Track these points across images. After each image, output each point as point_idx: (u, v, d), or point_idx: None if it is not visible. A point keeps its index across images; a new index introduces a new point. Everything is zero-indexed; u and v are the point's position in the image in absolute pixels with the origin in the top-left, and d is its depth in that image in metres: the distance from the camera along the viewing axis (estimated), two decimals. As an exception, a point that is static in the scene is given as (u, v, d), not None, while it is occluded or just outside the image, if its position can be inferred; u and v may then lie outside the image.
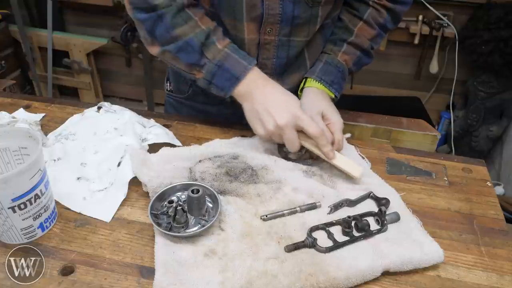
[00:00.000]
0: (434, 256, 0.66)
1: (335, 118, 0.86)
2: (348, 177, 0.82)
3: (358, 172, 0.80)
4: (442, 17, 2.25)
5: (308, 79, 0.94)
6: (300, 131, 0.80)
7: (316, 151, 0.82)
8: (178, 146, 0.89)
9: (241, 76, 0.82)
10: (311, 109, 0.87)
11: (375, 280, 0.64)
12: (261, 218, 0.71)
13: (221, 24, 0.87)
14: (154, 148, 0.84)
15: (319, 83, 0.92)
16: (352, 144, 0.94)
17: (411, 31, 2.30)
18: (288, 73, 0.97)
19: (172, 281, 0.60)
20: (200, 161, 0.82)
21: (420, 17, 2.28)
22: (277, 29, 0.87)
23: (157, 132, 0.90)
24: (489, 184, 0.85)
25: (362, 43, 0.95)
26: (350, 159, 0.82)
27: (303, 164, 0.84)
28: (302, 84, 0.95)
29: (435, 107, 2.61)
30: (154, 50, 0.86)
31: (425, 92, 2.58)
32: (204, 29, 0.82)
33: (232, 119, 0.97)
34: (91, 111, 0.96)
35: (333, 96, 0.94)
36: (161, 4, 0.81)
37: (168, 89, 1.12)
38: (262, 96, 0.81)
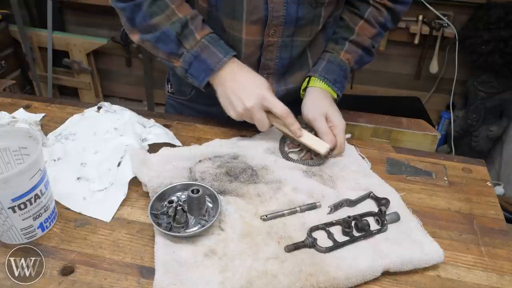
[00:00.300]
0: (434, 256, 0.66)
1: (338, 120, 0.87)
2: (349, 177, 0.82)
3: (324, 149, 0.83)
4: (442, 17, 2.25)
5: (312, 78, 0.94)
6: (270, 112, 0.83)
7: (285, 130, 0.85)
8: (178, 146, 0.89)
9: (215, 68, 0.84)
10: (315, 110, 0.87)
11: (375, 280, 0.64)
12: (261, 218, 0.71)
13: (219, 23, 0.88)
14: (154, 148, 0.84)
15: (322, 82, 0.92)
16: (352, 144, 0.93)
17: (411, 31, 2.30)
18: (291, 72, 0.97)
19: (172, 281, 0.60)
20: (200, 161, 0.82)
21: (420, 17, 2.28)
22: (281, 31, 0.87)
23: (157, 132, 0.90)
24: (489, 184, 0.85)
25: (364, 41, 0.96)
26: (317, 138, 0.85)
27: (304, 164, 0.84)
28: (305, 83, 0.96)
29: (435, 107, 2.61)
30: (134, 37, 0.89)
31: (425, 92, 2.58)
32: (181, 17, 0.84)
33: (233, 120, 0.97)
34: (91, 111, 0.96)
35: (335, 95, 0.94)
36: None
37: (169, 91, 1.13)
38: (233, 81, 0.84)
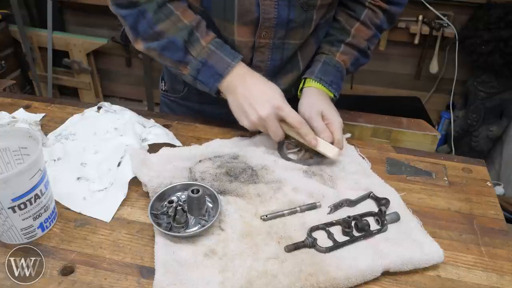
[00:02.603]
0: (434, 256, 0.66)
1: (335, 118, 0.87)
2: (348, 177, 0.82)
3: (333, 152, 0.82)
4: (442, 17, 2.25)
5: (308, 79, 0.94)
6: (284, 121, 0.82)
7: (299, 139, 0.84)
8: (178, 146, 0.89)
9: (224, 73, 0.84)
10: (311, 109, 0.87)
11: (375, 280, 0.64)
12: (261, 218, 0.71)
13: (211, 24, 0.87)
14: (154, 148, 0.84)
15: (319, 83, 0.92)
16: (352, 144, 0.93)
17: (411, 31, 2.30)
18: (282, 74, 0.97)
19: (172, 281, 0.60)
20: (200, 161, 0.82)
21: (420, 17, 2.28)
22: (272, 33, 0.87)
23: (157, 132, 0.90)
24: (489, 184, 0.85)
25: (359, 43, 0.96)
26: (325, 141, 0.84)
27: (303, 164, 0.84)
28: (301, 84, 0.95)
29: (435, 107, 2.61)
30: (138, 46, 0.88)
31: (425, 92, 2.58)
32: (187, 24, 0.83)
33: (227, 118, 0.97)
34: (91, 111, 0.96)
35: (332, 96, 0.94)
36: (143, 2, 0.81)
37: (163, 88, 1.12)
38: (244, 89, 0.83)
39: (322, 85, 0.92)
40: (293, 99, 0.92)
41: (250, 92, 0.83)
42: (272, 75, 0.95)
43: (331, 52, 0.96)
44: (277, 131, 0.82)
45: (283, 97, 0.83)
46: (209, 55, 0.84)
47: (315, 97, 0.91)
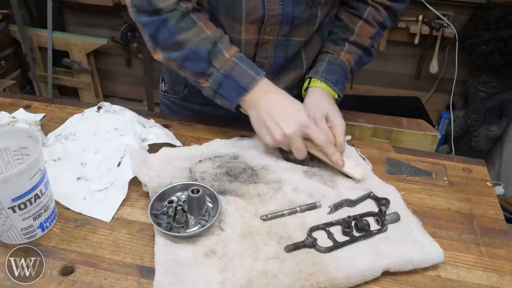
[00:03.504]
0: (434, 256, 0.66)
1: (338, 121, 0.86)
2: (349, 177, 0.82)
3: (359, 174, 0.81)
4: (442, 17, 2.25)
5: (313, 79, 0.93)
6: (307, 139, 0.80)
7: (324, 158, 0.82)
8: (178, 146, 0.89)
9: (248, 87, 0.81)
10: (316, 110, 0.87)
11: (375, 280, 0.64)
12: (261, 218, 0.71)
13: (218, 24, 0.87)
14: (154, 148, 0.84)
15: (324, 83, 0.92)
16: (353, 145, 0.94)
17: (411, 31, 2.30)
18: (285, 72, 0.97)
19: (172, 281, 0.60)
20: (200, 161, 0.82)
21: (420, 17, 2.28)
22: (277, 30, 0.87)
23: (157, 132, 0.90)
24: (489, 184, 0.85)
25: (363, 41, 0.96)
26: (351, 161, 0.83)
27: (304, 164, 0.84)
28: (306, 84, 0.95)
29: (435, 107, 2.61)
30: (157, 56, 0.85)
31: (425, 92, 2.58)
32: (210, 35, 0.81)
33: (227, 119, 0.97)
34: (91, 111, 0.96)
35: (336, 96, 0.94)
36: (166, 8, 0.79)
37: (163, 89, 1.12)
38: (268, 104, 0.80)
39: (328, 84, 0.92)
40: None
41: (274, 107, 0.80)
42: (275, 72, 0.95)
43: (335, 51, 0.95)
44: (302, 149, 0.79)
45: (307, 114, 0.80)
46: (233, 68, 0.81)
47: (321, 99, 0.90)
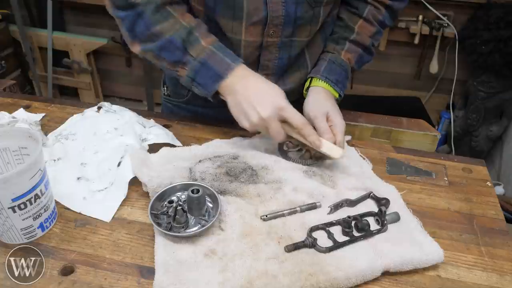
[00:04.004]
0: (434, 256, 0.66)
1: (338, 120, 0.86)
2: (349, 178, 0.82)
3: (337, 153, 0.81)
4: (442, 17, 2.25)
5: (314, 79, 0.94)
6: (286, 122, 0.80)
7: (302, 139, 0.82)
8: (178, 146, 0.89)
9: (224, 74, 0.82)
10: (317, 109, 0.87)
11: (375, 280, 0.64)
12: (261, 218, 0.71)
13: (216, 25, 0.87)
14: (154, 148, 0.84)
15: (325, 82, 0.92)
16: (353, 145, 0.94)
17: (411, 31, 2.30)
18: (289, 72, 0.97)
19: (172, 281, 0.60)
20: (200, 161, 0.82)
21: (420, 17, 2.29)
22: (280, 31, 0.87)
23: (157, 132, 0.90)
24: (489, 184, 0.85)
25: (364, 40, 0.96)
26: (330, 142, 0.82)
27: (303, 164, 0.84)
28: (307, 83, 0.95)
29: (435, 107, 2.61)
30: (135, 48, 0.86)
31: (425, 92, 2.58)
32: (186, 25, 0.82)
33: (229, 121, 0.97)
34: (91, 111, 0.96)
35: (337, 95, 0.94)
36: (141, 2, 0.80)
37: (166, 93, 1.11)
38: (244, 89, 0.81)
39: (328, 84, 0.92)
40: (299, 100, 0.92)
41: (251, 92, 0.80)
42: (280, 74, 0.95)
43: (336, 50, 0.96)
44: (279, 132, 0.80)
45: (285, 97, 0.81)
46: (209, 56, 0.82)
47: (322, 98, 0.90)
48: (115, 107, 0.96)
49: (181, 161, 0.81)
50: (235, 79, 0.82)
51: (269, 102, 0.79)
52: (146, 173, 0.77)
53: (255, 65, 0.92)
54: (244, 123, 0.82)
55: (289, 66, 0.95)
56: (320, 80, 0.92)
